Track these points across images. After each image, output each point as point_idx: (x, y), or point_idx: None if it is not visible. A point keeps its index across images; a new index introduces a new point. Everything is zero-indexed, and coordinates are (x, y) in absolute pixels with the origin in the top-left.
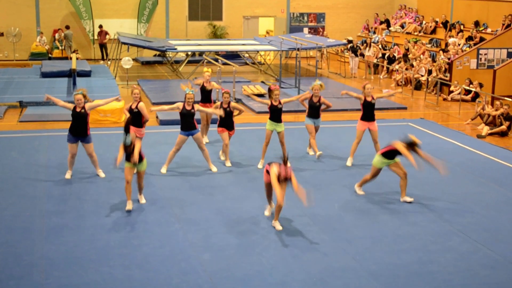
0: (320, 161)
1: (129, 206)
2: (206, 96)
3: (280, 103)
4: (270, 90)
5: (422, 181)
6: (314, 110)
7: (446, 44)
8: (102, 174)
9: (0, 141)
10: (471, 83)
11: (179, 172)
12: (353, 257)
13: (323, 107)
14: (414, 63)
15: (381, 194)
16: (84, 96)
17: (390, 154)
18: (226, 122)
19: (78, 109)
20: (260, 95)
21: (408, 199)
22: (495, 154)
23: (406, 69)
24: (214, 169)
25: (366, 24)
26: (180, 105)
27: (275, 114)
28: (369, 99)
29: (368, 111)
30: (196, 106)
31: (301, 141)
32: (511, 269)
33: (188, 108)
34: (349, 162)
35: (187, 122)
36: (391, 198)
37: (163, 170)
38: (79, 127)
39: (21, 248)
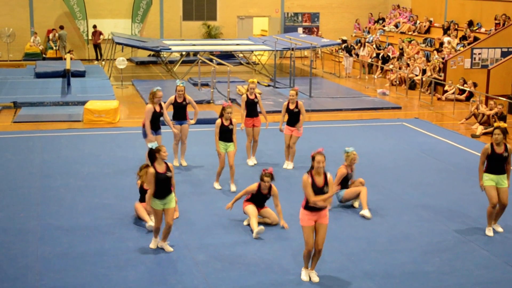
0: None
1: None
2: (251, 110)
3: (231, 123)
4: (222, 108)
5: (417, 181)
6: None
7: (441, 44)
8: (184, 163)
9: None
10: (465, 82)
11: (174, 173)
12: (348, 257)
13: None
14: (409, 63)
15: (375, 195)
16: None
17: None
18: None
19: (179, 100)
20: None
21: (499, 228)
22: None
23: (400, 68)
24: (184, 163)
25: (357, 23)
26: (171, 98)
27: (226, 134)
28: (291, 106)
29: (291, 117)
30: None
31: None
32: (506, 269)
33: (179, 100)
34: (289, 166)
35: (179, 114)
36: (386, 199)
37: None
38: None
39: (15, 250)
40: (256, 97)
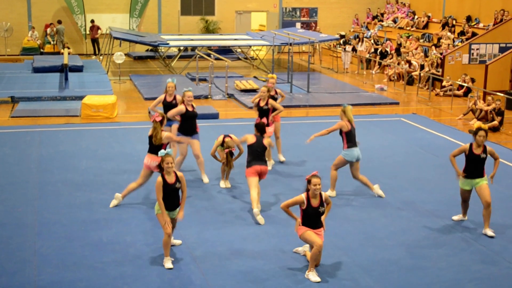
0: (312, 156)
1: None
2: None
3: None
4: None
5: (414, 176)
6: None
7: (439, 39)
8: (206, 179)
9: None
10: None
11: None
12: (346, 252)
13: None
14: (412, 59)
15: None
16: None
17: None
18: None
19: (169, 99)
20: (252, 90)
21: (490, 232)
22: None
23: (398, 63)
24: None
25: (355, 18)
26: (161, 97)
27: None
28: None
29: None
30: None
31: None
32: (503, 264)
33: (169, 99)
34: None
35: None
36: (383, 194)
37: None
38: (192, 126)
39: (13, 244)
40: (276, 93)
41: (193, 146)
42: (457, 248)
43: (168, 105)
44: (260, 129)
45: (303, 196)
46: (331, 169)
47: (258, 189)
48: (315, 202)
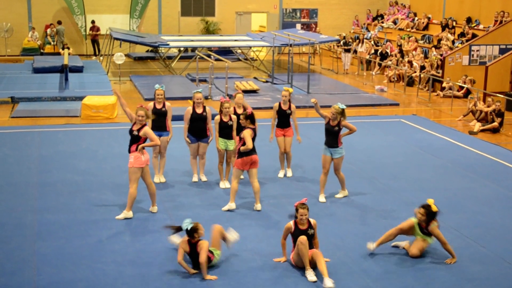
0: (311, 157)
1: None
2: (283, 121)
3: (231, 118)
4: (220, 103)
5: (414, 177)
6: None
7: (439, 41)
8: (163, 179)
9: None
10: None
11: (171, 170)
12: (346, 253)
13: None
14: (413, 60)
15: (373, 190)
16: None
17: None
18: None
19: (158, 106)
20: (252, 91)
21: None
22: (487, 150)
23: (397, 64)
24: (163, 179)
25: (355, 20)
26: (150, 104)
27: (226, 131)
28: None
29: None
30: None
31: None
32: (502, 264)
33: (158, 106)
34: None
35: (158, 122)
36: (383, 195)
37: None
38: (200, 129)
39: (12, 244)
40: (290, 107)
41: (199, 147)
42: (456, 249)
43: (157, 112)
44: (252, 119)
45: (291, 223)
46: (339, 175)
47: (257, 187)
48: (302, 227)
